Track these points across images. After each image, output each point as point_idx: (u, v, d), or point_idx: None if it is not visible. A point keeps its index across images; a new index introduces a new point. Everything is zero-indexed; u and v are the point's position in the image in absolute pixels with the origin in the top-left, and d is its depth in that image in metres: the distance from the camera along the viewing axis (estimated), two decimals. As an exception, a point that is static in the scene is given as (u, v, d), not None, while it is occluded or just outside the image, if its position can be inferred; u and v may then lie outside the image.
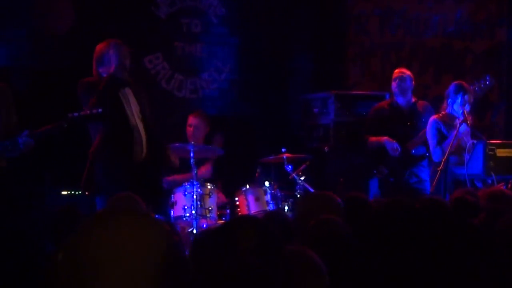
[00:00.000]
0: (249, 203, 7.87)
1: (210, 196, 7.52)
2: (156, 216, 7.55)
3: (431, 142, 7.57)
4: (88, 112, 6.08)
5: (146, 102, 6.90)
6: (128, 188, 5.71)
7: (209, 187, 7.56)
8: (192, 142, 7.62)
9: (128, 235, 1.59)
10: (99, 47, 6.73)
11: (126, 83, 6.70)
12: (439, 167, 7.08)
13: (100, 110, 6.08)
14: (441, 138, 7.46)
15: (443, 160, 7.04)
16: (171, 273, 1.61)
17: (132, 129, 6.66)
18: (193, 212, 7.34)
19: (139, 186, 6.44)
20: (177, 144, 7.58)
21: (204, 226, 7.35)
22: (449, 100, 7.49)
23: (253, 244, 2.44)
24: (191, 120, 8.35)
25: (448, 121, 7.48)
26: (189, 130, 8.28)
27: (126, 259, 1.57)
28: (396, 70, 8.26)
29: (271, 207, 7.83)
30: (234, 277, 2.24)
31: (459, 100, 7.40)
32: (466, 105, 7.40)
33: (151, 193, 6.89)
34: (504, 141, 7.64)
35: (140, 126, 6.72)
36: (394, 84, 8.13)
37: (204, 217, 7.43)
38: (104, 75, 6.64)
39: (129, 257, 1.57)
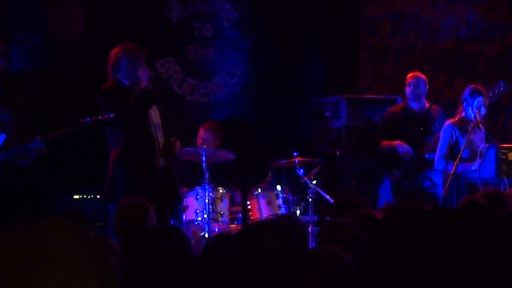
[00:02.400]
0: (261, 207, 7.86)
1: (222, 200, 7.52)
2: (171, 221, 7.59)
3: (440, 148, 7.50)
4: (100, 117, 6.01)
5: None
6: (147, 194, 5.63)
7: (221, 191, 7.56)
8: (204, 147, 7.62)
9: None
10: (114, 52, 6.60)
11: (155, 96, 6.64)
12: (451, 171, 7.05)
13: (112, 115, 6.01)
14: (451, 147, 7.40)
15: (455, 164, 7.00)
16: None
17: (154, 137, 6.61)
18: (205, 216, 7.33)
19: (158, 193, 6.40)
20: (188, 149, 7.57)
21: (216, 230, 7.35)
22: (465, 103, 7.45)
23: (275, 248, 2.43)
24: (202, 133, 8.27)
25: (464, 125, 7.43)
26: (199, 142, 8.22)
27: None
28: (410, 75, 8.21)
29: (283, 211, 7.83)
30: (257, 281, 2.23)
31: (475, 103, 7.37)
32: (482, 108, 7.37)
33: (169, 200, 6.86)
34: (516, 145, 7.59)
35: (160, 133, 6.67)
36: (408, 89, 8.09)
37: (216, 221, 7.43)
38: (122, 81, 6.57)
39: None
